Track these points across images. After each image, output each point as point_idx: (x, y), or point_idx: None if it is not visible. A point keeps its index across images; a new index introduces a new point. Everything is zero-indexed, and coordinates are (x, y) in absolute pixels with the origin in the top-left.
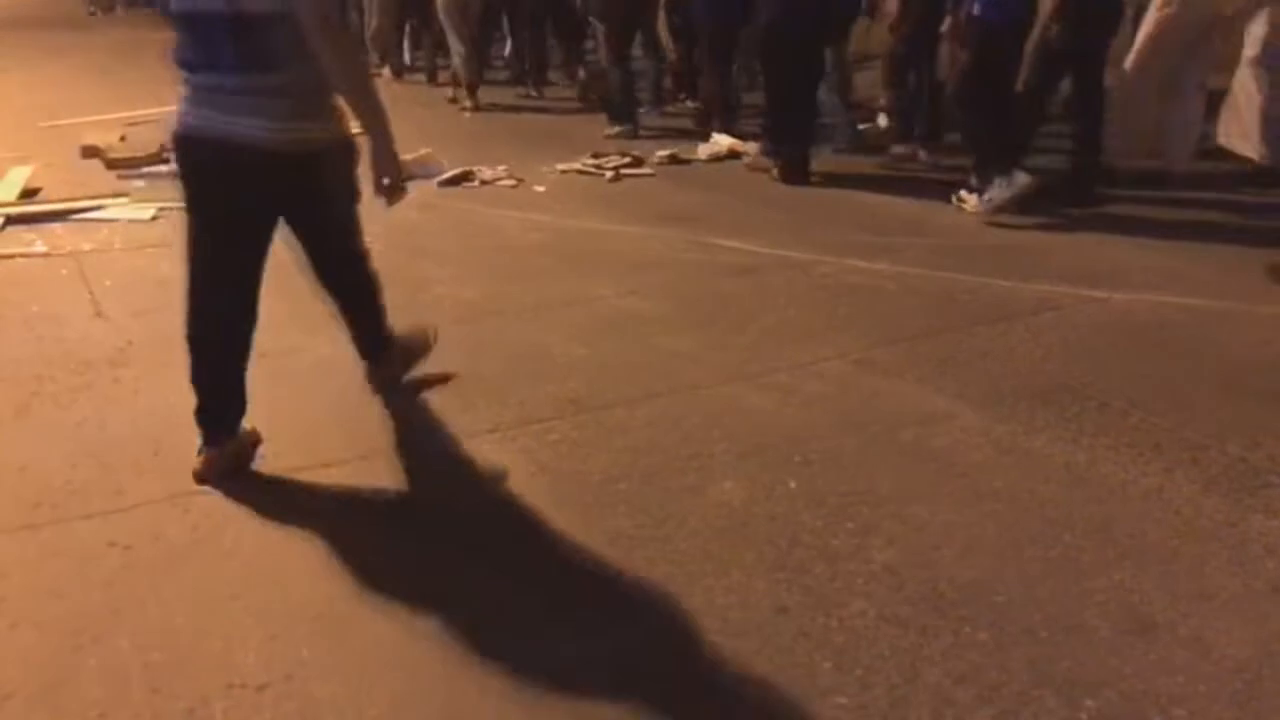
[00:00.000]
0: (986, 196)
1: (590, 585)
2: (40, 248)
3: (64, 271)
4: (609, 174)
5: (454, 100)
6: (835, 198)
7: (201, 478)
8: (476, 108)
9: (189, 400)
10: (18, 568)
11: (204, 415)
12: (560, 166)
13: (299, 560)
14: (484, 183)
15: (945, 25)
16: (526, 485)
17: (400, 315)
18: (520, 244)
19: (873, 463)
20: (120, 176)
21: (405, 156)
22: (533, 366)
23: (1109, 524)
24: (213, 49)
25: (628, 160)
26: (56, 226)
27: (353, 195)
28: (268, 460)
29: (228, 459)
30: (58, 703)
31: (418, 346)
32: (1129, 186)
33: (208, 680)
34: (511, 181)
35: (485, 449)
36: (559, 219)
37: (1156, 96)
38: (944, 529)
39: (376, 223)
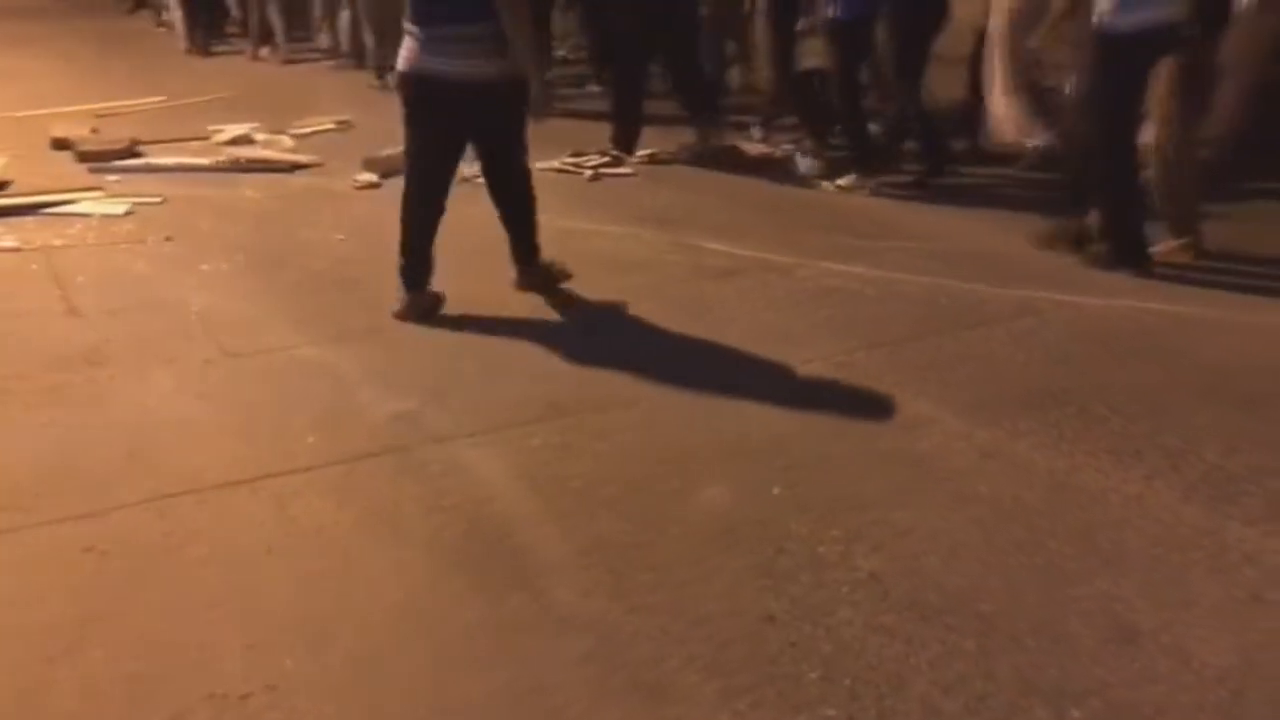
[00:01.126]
0: (844, 179)
1: (573, 592)
2: (10, 242)
3: (34, 267)
4: (588, 173)
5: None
6: (812, 199)
7: (402, 316)
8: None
9: (165, 401)
10: None
11: (407, 272)
12: (539, 165)
13: (278, 568)
14: (463, 180)
15: (801, 25)
16: (509, 491)
17: (377, 314)
18: (500, 243)
19: (857, 468)
20: (92, 170)
21: (382, 153)
22: (512, 369)
23: (1091, 531)
24: (450, 7)
25: (607, 160)
26: (27, 220)
27: (524, 119)
28: (246, 464)
29: (423, 302)
30: (32, 716)
31: (560, 272)
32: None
33: (188, 690)
34: None
35: (465, 454)
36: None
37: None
38: (929, 535)
39: (354, 221)
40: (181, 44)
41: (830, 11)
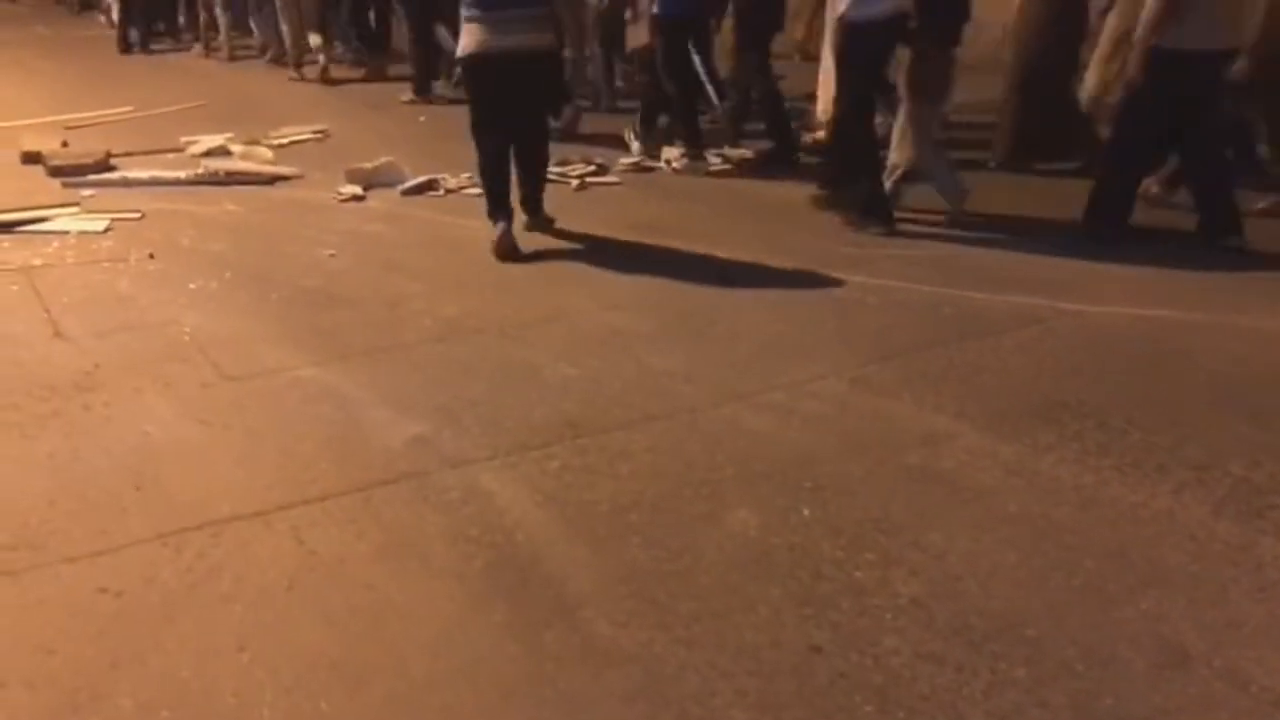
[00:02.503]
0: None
1: (612, 624)
2: None
3: (14, 288)
4: (574, 182)
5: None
6: (797, 206)
7: (499, 246)
8: (304, 79)
9: (166, 428)
10: (1, 619)
11: (494, 210)
12: None
13: (303, 604)
14: (449, 191)
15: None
16: (535, 517)
17: (378, 332)
18: (491, 256)
19: (883, 487)
20: (65, 185)
21: (366, 165)
22: (523, 387)
23: (1126, 549)
24: None
25: (592, 169)
26: (2, 239)
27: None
28: (257, 495)
29: (503, 241)
30: None
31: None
32: None
33: None
34: (476, 190)
35: (485, 478)
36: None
37: None
38: (964, 558)
39: (342, 236)
40: (117, 45)
41: (654, 8)
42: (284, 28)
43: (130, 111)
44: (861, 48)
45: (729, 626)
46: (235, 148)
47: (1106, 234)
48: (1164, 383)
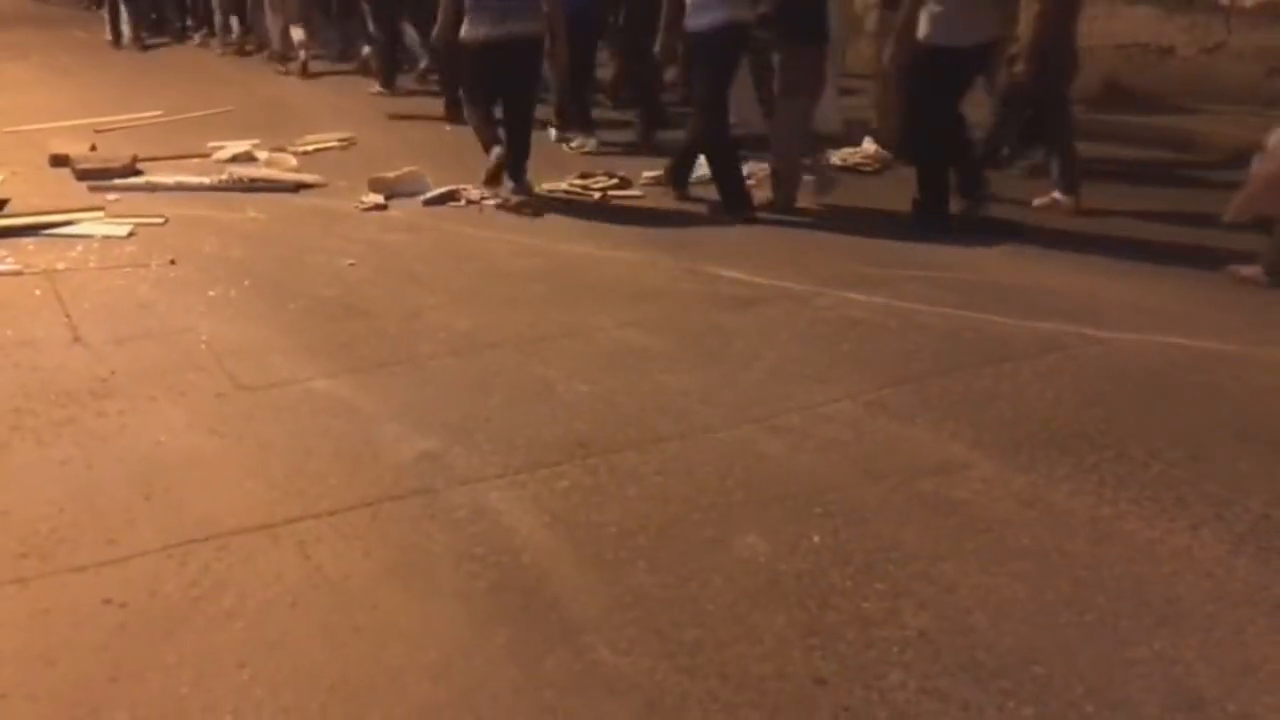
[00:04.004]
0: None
1: (615, 651)
2: (11, 265)
3: (38, 292)
4: (596, 195)
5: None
6: (823, 222)
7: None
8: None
9: (179, 438)
10: (7, 628)
11: (490, 141)
12: (546, 186)
13: (306, 622)
14: (470, 202)
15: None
16: (542, 538)
17: (394, 344)
18: (512, 270)
19: (895, 516)
20: (92, 188)
21: (389, 174)
22: (536, 404)
23: (1141, 586)
24: None
25: (614, 181)
26: (27, 242)
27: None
28: (266, 508)
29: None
30: None
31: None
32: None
33: None
34: (498, 201)
35: (493, 497)
36: (549, 243)
37: None
38: (975, 591)
39: (362, 245)
40: (107, 36)
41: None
42: (269, 25)
43: (159, 115)
44: (700, 54)
45: (733, 656)
46: (260, 154)
47: (935, 225)
48: (1185, 414)
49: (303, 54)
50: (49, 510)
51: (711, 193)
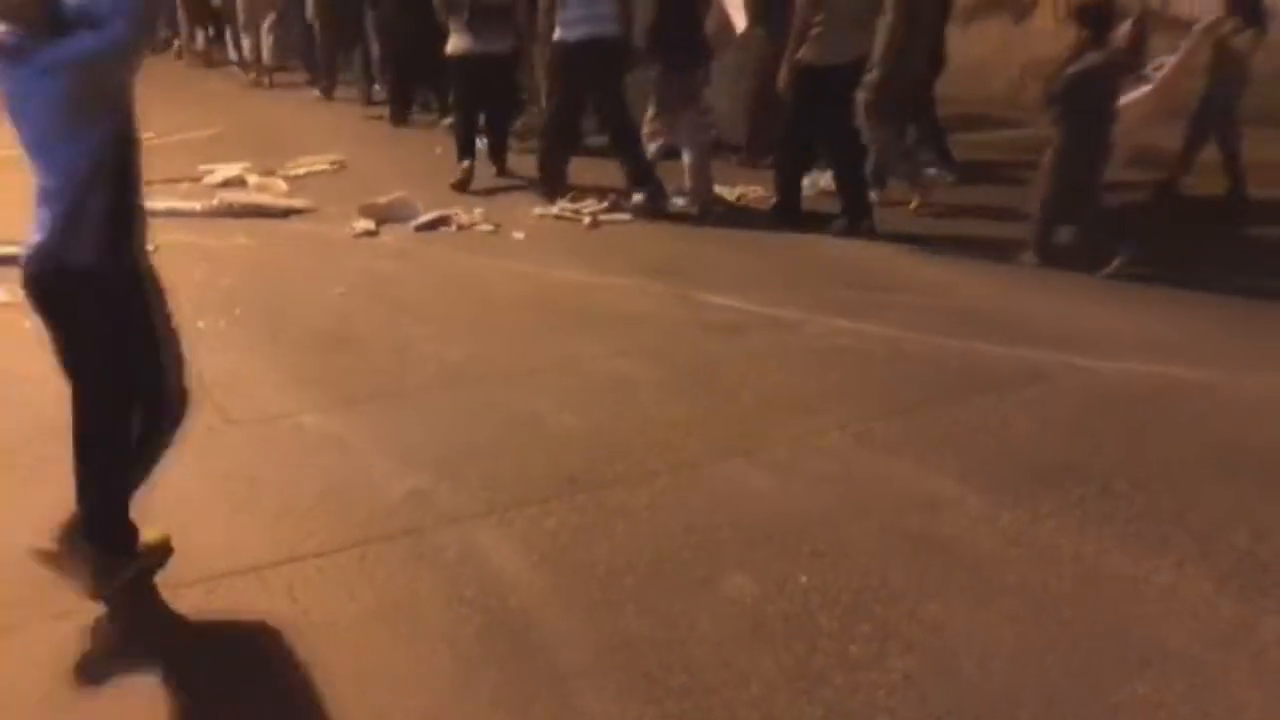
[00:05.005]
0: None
1: (602, 698)
2: (1, 296)
3: (28, 324)
4: (587, 219)
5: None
6: (814, 249)
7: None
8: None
9: (166, 475)
10: None
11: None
12: (538, 210)
13: (295, 667)
14: (461, 228)
15: None
16: (530, 579)
17: (384, 377)
18: (503, 297)
19: (882, 553)
20: None
21: (380, 200)
22: (525, 438)
23: (1126, 627)
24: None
25: (605, 205)
26: (16, 271)
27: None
28: (254, 549)
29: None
30: None
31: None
32: None
33: None
34: (489, 226)
35: (482, 536)
36: (540, 269)
37: None
38: (961, 632)
39: (353, 273)
40: None
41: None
42: (244, 43)
43: (150, 138)
44: (561, 64)
45: (720, 702)
46: (251, 178)
47: (789, 221)
48: (1169, 446)
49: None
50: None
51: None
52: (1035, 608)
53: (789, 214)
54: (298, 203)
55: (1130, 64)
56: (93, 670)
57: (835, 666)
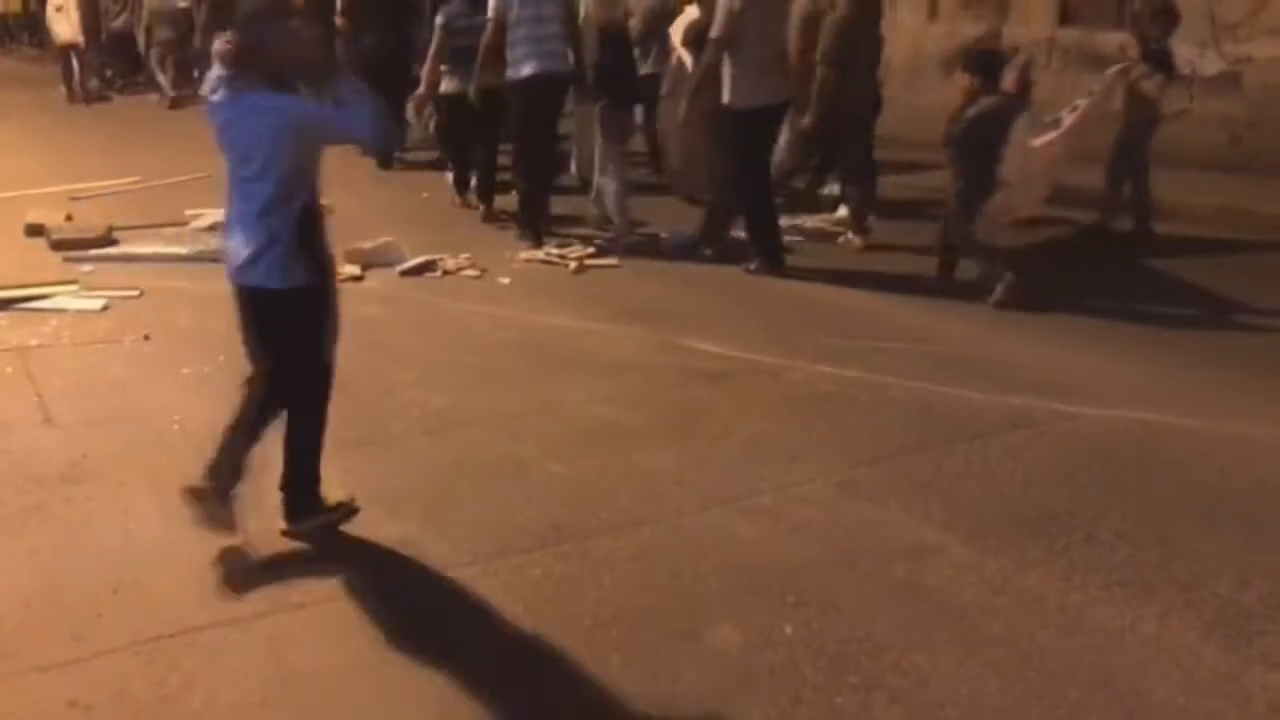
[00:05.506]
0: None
1: None
2: None
3: (9, 370)
4: (573, 264)
5: None
6: (797, 294)
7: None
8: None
9: (147, 526)
10: None
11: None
12: (524, 255)
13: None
14: (446, 273)
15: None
16: (513, 630)
17: (368, 424)
18: (488, 343)
19: (868, 603)
20: (67, 259)
21: (365, 245)
22: (510, 486)
23: (1111, 677)
24: None
25: (591, 250)
26: (0, 317)
27: None
28: (236, 602)
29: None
30: None
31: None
32: None
33: None
34: (475, 272)
35: (467, 587)
36: (526, 314)
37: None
38: (946, 683)
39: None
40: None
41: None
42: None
43: (137, 181)
44: (515, 102)
45: None
46: None
47: (715, 251)
48: (1154, 494)
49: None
50: (15, 605)
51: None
52: (1021, 658)
53: (772, 259)
54: None
55: (1019, 105)
56: None
57: (821, 719)
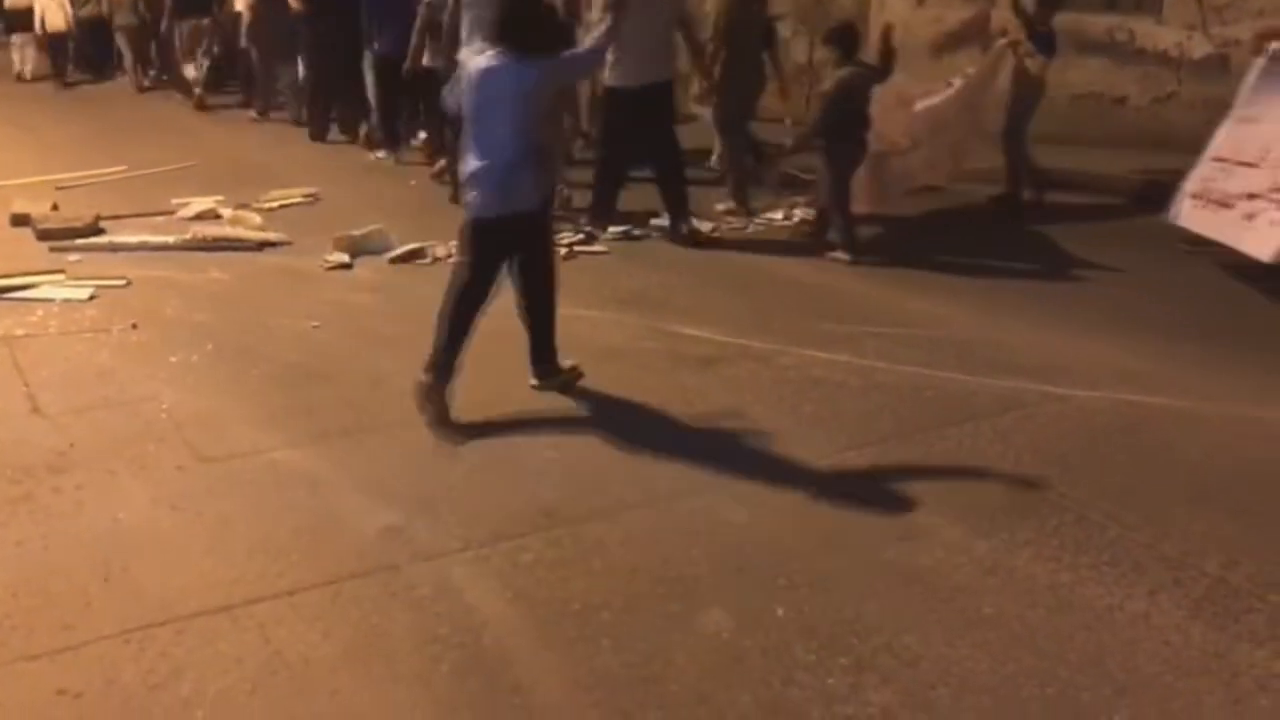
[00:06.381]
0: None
1: None
2: None
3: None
4: (562, 251)
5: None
6: (785, 279)
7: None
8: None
9: (137, 514)
10: None
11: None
12: None
13: (267, 709)
14: (436, 260)
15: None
16: (504, 616)
17: (358, 412)
18: (477, 330)
19: (859, 585)
20: (53, 248)
21: (354, 233)
22: (501, 472)
23: (1102, 656)
24: None
25: (580, 237)
26: None
27: None
28: (225, 588)
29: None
30: None
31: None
32: None
33: None
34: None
35: (457, 573)
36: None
37: None
38: (938, 664)
39: (327, 306)
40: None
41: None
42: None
43: (123, 171)
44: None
45: None
46: (225, 210)
47: (601, 224)
48: (1144, 474)
49: (197, 90)
50: (3, 594)
51: None
52: (1011, 637)
53: (604, 218)
54: (272, 236)
55: (880, 72)
56: (59, 716)
57: (813, 700)
